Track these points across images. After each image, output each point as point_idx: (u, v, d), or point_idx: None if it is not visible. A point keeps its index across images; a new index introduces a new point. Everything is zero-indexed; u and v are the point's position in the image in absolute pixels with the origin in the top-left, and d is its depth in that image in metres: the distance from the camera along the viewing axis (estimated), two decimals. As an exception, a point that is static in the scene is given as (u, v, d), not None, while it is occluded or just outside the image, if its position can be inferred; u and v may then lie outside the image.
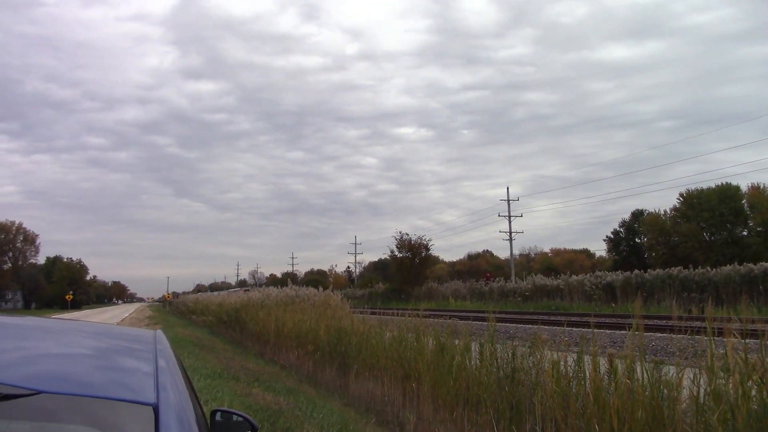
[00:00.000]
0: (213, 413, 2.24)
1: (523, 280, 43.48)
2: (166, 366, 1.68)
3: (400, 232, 57.93)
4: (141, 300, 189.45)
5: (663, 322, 17.33)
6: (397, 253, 57.36)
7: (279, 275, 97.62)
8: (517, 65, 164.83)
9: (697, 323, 6.13)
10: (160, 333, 2.25)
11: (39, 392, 1.28)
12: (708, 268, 30.78)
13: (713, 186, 49.85)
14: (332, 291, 20.57)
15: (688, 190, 51.87)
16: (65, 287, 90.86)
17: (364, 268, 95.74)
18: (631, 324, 5.35)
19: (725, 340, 4.31)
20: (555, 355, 5.91)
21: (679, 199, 52.80)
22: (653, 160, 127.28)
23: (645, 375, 4.72)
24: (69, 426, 1.32)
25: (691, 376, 4.44)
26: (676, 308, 24.48)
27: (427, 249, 57.29)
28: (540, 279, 42.02)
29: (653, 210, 57.26)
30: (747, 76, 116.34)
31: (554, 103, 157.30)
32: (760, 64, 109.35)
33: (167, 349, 1.95)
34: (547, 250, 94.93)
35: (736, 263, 30.20)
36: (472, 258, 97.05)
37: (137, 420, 1.32)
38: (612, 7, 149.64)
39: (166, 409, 1.37)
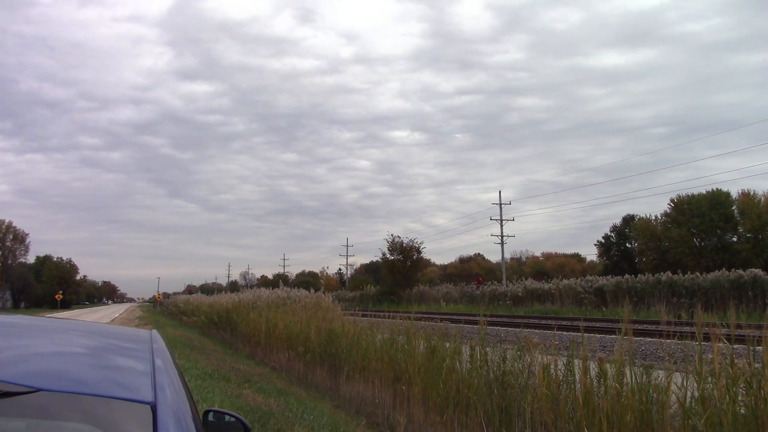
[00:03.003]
0: (206, 413, 2.25)
1: (514, 284, 43.48)
2: (162, 365, 1.70)
3: (392, 235, 57.92)
4: (131, 300, 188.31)
5: (653, 327, 17.45)
6: (388, 255, 57.21)
7: (270, 277, 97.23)
8: (511, 70, 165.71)
9: (686, 328, 6.18)
10: (155, 332, 2.26)
11: (37, 390, 1.29)
12: (697, 273, 30.89)
13: (704, 192, 50.13)
14: (323, 293, 20.56)
15: (679, 196, 52.09)
16: (55, 287, 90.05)
17: (355, 270, 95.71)
18: (621, 328, 5.39)
19: (713, 345, 4.36)
20: (545, 359, 5.94)
21: (669, 205, 53.03)
22: (645, 166, 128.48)
23: (634, 379, 4.76)
24: (67, 424, 1.32)
25: (680, 381, 4.48)
26: (666, 313, 24.60)
27: (419, 252, 57.19)
28: (531, 283, 42.00)
29: (644, 215, 57.50)
30: (739, 84, 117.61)
31: (548, 109, 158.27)
32: (752, 72, 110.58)
33: (163, 349, 1.96)
34: (538, 254, 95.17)
35: (725, 269, 30.35)
36: (463, 261, 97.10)
37: (135, 418, 1.34)
38: (606, 14, 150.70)
39: (164, 408, 1.38)
